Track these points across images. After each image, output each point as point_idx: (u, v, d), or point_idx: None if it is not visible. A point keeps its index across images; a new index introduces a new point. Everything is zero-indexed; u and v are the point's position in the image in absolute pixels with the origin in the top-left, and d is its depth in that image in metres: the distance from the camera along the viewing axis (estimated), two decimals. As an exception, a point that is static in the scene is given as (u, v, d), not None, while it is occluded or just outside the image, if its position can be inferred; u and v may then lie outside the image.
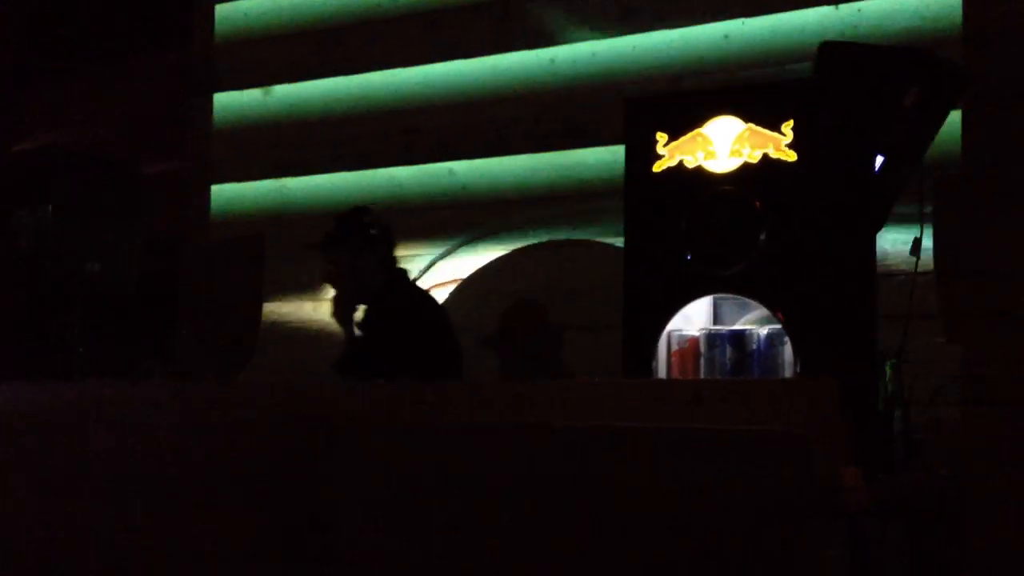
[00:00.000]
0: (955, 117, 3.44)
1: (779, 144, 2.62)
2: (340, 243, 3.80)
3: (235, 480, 2.55)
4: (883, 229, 2.92)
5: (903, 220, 3.12)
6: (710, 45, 4.02)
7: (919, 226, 3.06)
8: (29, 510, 2.88)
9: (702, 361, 2.71)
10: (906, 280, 3.06)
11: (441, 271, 4.47)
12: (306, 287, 4.73)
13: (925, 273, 3.32)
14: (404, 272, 3.91)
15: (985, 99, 3.51)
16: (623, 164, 2.84)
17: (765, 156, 2.63)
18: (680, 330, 2.75)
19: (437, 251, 4.48)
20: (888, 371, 2.74)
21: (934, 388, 3.08)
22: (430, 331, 3.75)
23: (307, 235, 4.11)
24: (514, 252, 4.31)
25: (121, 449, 2.76)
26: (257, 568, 2.48)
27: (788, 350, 2.62)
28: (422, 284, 4.37)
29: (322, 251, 3.84)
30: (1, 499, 2.95)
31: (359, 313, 3.84)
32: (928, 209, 3.21)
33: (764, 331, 2.69)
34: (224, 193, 5.01)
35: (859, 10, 3.78)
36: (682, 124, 2.70)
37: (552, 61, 4.32)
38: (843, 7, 3.81)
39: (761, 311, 2.71)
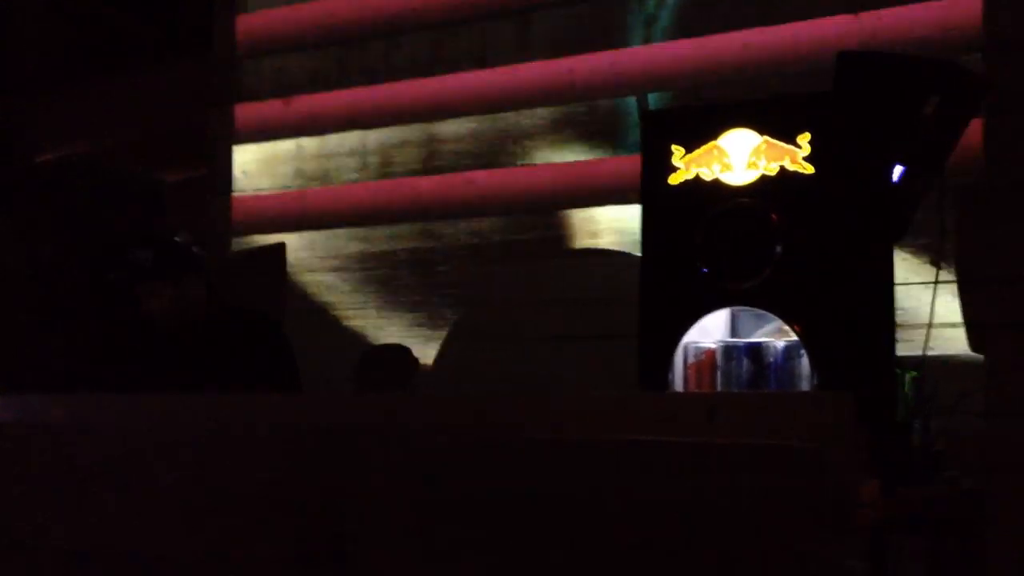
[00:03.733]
0: (976, 126, 3.42)
1: (795, 157, 2.61)
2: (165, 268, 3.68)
3: (250, 492, 2.56)
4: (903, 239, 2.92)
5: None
6: (729, 54, 4.01)
7: (940, 236, 3.05)
8: (34, 522, 2.90)
9: (719, 374, 2.70)
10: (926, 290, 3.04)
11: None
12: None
13: (946, 282, 3.30)
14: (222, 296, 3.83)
15: (1006, 107, 3.49)
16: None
17: (782, 169, 2.62)
18: (697, 342, 2.74)
19: (458, 261, 4.49)
20: (908, 382, 2.73)
21: (955, 399, 3.06)
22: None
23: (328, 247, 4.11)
24: (532, 262, 4.32)
25: (133, 461, 2.77)
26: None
27: (805, 363, 2.61)
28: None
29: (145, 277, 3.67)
30: (27, 511, 2.96)
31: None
32: (949, 219, 3.19)
33: (781, 344, 2.68)
34: (245, 203, 5.03)
35: (879, 18, 3.77)
36: (698, 136, 2.69)
37: (571, 71, 4.31)
38: (863, 15, 3.80)
39: (778, 323, 2.70)
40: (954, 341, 3.44)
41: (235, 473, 2.58)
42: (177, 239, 3.74)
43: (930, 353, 2.88)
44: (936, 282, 3.02)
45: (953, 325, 3.43)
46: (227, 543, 2.55)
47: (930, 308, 2.95)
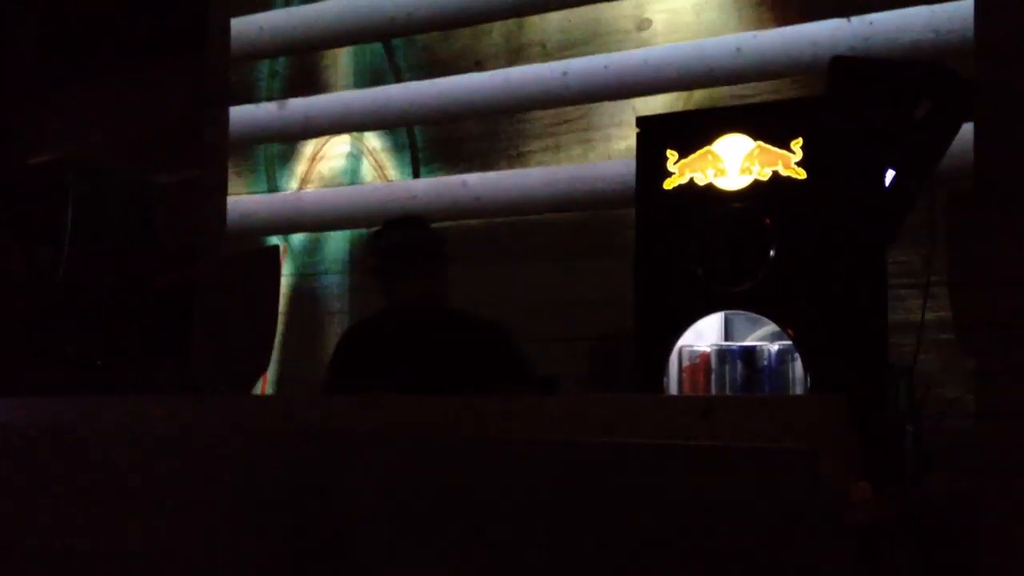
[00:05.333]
0: (967, 129, 3.45)
1: (788, 162, 2.64)
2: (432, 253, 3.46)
3: (248, 493, 2.57)
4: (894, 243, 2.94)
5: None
6: (722, 58, 4.04)
7: (931, 239, 3.07)
8: (46, 524, 2.91)
9: (713, 377, 2.73)
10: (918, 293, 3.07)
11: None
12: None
13: (937, 285, 3.33)
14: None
15: (997, 111, 3.51)
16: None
17: (775, 174, 2.65)
18: (691, 346, 2.77)
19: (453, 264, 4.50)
20: (899, 385, 2.75)
21: (946, 401, 3.08)
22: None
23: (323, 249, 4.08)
24: (526, 264, 4.33)
25: (135, 463, 2.79)
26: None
27: (798, 366, 2.64)
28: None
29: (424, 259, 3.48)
30: (13, 514, 2.97)
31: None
32: (939, 222, 3.22)
33: (775, 347, 2.71)
34: (240, 205, 5.04)
35: (871, 23, 3.79)
36: (692, 142, 2.72)
37: (565, 74, 4.34)
38: (855, 19, 3.82)
39: (772, 327, 2.73)
40: (945, 344, 3.46)
41: (233, 474, 2.60)
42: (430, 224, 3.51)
43: (921, 356, 2.90)
44: (927, 285, 3.04)
45: (944, 328, 3.45)
46: (225, 543, 2.56)
47: (921, 311, 2.98)
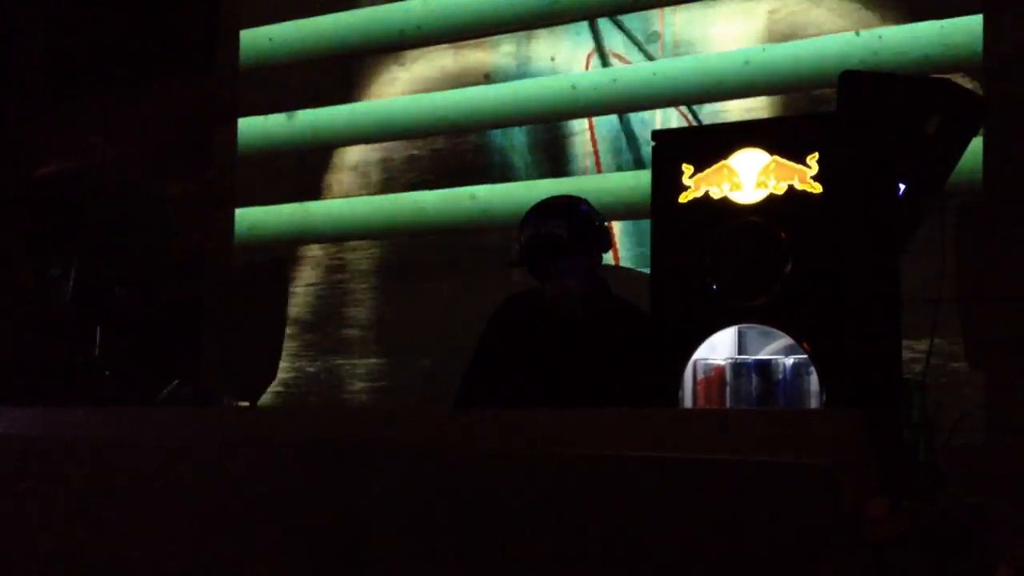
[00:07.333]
0: (976, 144, 3.47)
1: (804, 176, 2.64)
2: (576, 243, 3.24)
3: (265, 507, 2.58)
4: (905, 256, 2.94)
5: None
6: (730, 71, 4.05)
7: (942, 254, 3.08)
8: (57, 535, 2.91)
9: (728, 390, 2.72)
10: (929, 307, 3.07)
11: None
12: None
13: (947, 300, 3.33)
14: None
15: (1005, 126, 3.53)
16: (646, 188, 2.86)
17: (791, 188, 2.65)
18: (706, 359, 2.76)
19: (460, 275, 4.51)
20: (913, 398, 2.75)
21: (959, 415, 3.08)
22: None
23: (330, 260, 4.09)
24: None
25: (149, 475, 2.79)
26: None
27: (814, 380, 2.64)
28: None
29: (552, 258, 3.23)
30: (30, 524, 2.98)
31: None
32: (949, 237, 3.23)
33: (790, 361, 2.70)
34: (248, 217, 5.05)
35: (880, 37, 3.81)
36: (708, 156, 2.72)
37: (573, 87, 4.35)
38: (864, 33, 3.84)
39: (786, 340, 2.72)
40: (956, 358, 3.47)
41: (252, 487, 2.61)
42: (584, 208, 3.32)
43: (932, 369, 2.90)
44: (938, 300, 3.05)
45: (954, 342, 3.46)
46: (246, 555, 2.57)
47: (931, 325, 2.98)
